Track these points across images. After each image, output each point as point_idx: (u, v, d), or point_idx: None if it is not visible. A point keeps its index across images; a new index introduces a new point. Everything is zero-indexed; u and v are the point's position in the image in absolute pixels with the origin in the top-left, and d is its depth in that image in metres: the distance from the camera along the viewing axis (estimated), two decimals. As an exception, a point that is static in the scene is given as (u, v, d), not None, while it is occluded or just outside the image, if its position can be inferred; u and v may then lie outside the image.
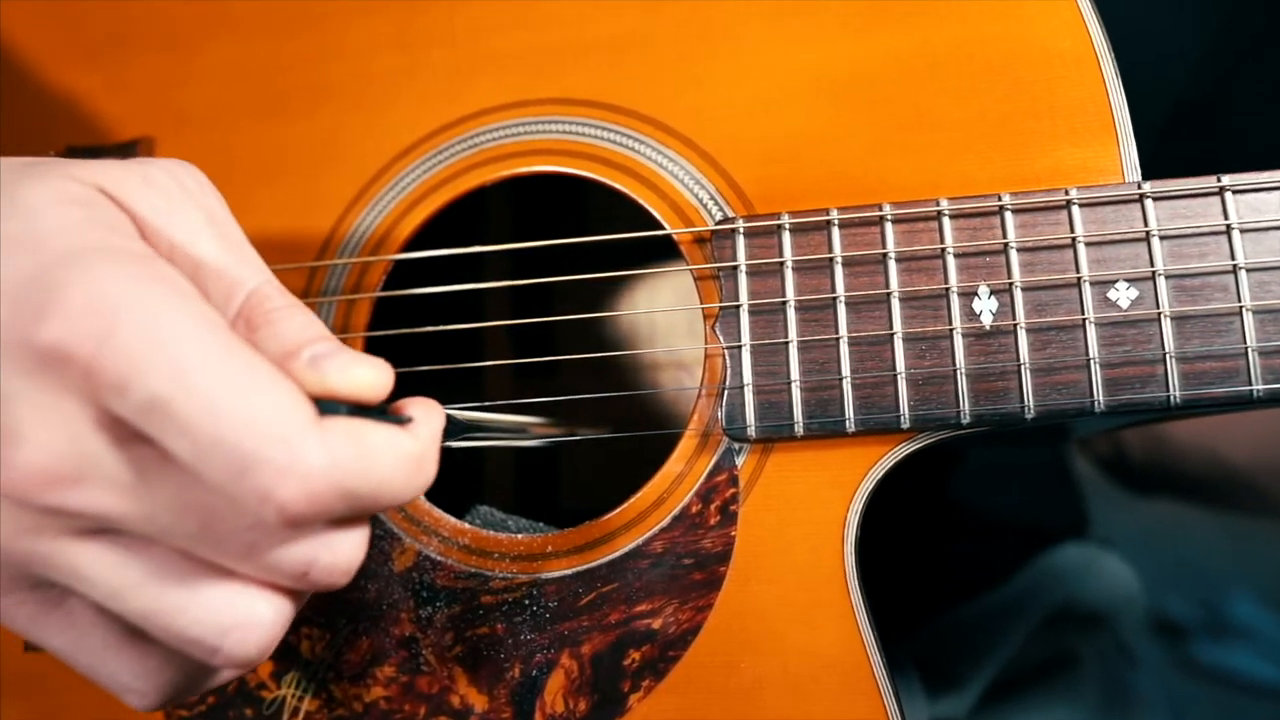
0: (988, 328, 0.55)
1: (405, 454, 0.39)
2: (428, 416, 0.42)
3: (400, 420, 0.41)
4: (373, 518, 0.63)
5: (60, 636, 0.42)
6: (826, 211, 0.58)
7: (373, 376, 0.40)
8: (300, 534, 0.38)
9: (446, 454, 0.76)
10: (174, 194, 0.43)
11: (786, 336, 0.57)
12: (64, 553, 0.38)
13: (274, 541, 0.38)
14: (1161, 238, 0.54)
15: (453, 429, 0.53)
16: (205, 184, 0.45)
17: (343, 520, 0.39)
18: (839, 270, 0.57)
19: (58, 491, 0.37)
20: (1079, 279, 0.55)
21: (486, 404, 0.67)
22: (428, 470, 0.40)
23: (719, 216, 0.61)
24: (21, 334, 0.36)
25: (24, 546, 0.38)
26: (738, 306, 0.58)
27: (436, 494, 0.65)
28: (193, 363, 0.36)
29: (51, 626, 0.41)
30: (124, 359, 0.35)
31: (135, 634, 0.41)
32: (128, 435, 0.37)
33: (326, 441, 0.37)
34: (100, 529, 0.39)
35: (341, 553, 0.39)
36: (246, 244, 0.44)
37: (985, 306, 0.56)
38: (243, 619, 0.39)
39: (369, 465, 0.38)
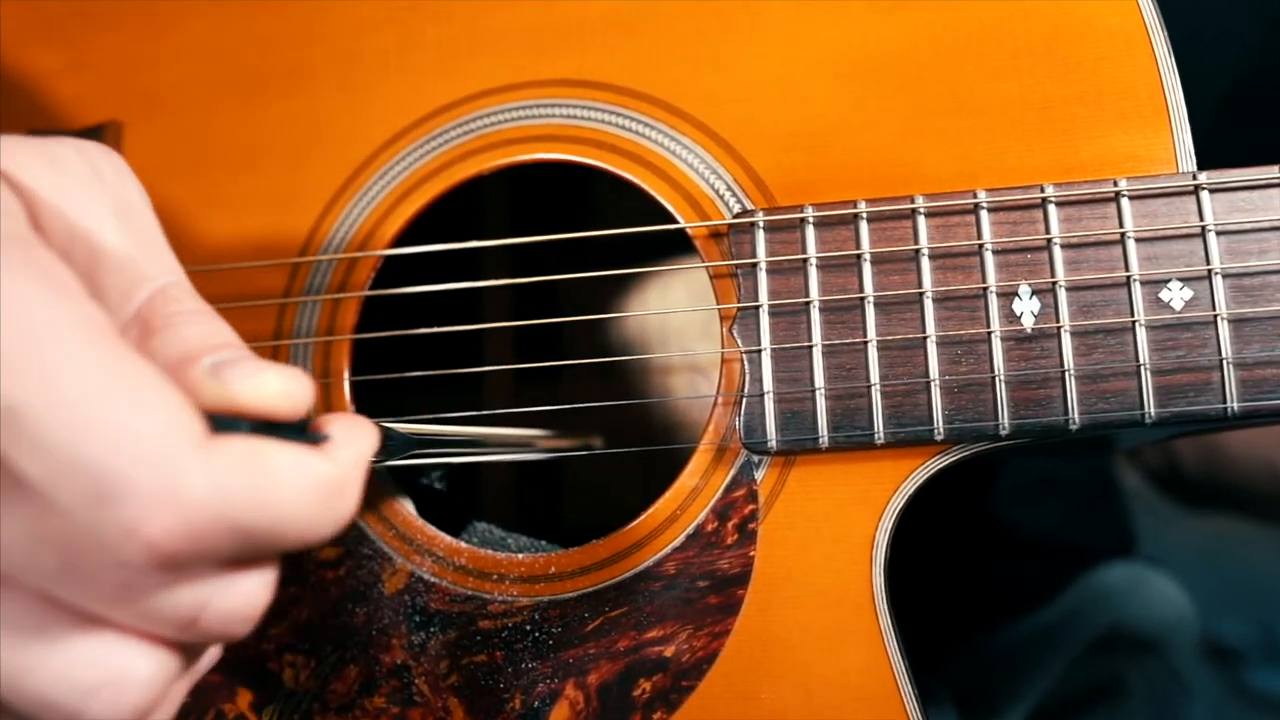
0: (1029, 331, 0.56)
1: (314, 479, 0.36)
2: (350, 435, 0.38)
3: (314, 439, 0.37)
4: (359, 536, 0.64)
5: None
6: (854, 204, 0.58)
7: (285, 386, 0.37)
8: (184, 575, 0.35)
9: (440, 468, 0.77)
10: (83, 178, 0.41)
11: (810, 340, 0.58)
12: None
13: (151, 583, 0.34)
14: (1218, 233, 0.54)
15: (395, 446, 0.51)
16: (124, 172, 0.43)
17: (242, 559, 0.36)
18: (867, 268, 0.58)
19: None
20: (1128, 278, 0.55)
21: (485, 413, 0.67)
22: (346, 500, 0.37)
23: (737, 209, 0.61)
24: None
25: None
26: (757, 307, 0.59)
27: (431, 510, 0.66)
28: (53, 365, 0.32)
29: None
30: None
31: None
32: None
33: (213, 465, 0.33)
34: None
35: (239, 598, 0.36)
36: (162, 242, 0.42)
37: (1026, 308, 0.56)
38: (114, 677, 0.35)
39: (265, 494, 0.34)
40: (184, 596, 0.35)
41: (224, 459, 0.34)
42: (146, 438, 0.33)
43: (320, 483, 0.36)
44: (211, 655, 0.43)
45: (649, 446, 0.66)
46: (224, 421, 0.35)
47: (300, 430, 0.37)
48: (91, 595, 0.35)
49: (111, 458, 0.32)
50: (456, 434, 0.61)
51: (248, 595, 0.36)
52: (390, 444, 0.51)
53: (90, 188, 0.41)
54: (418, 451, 0.55)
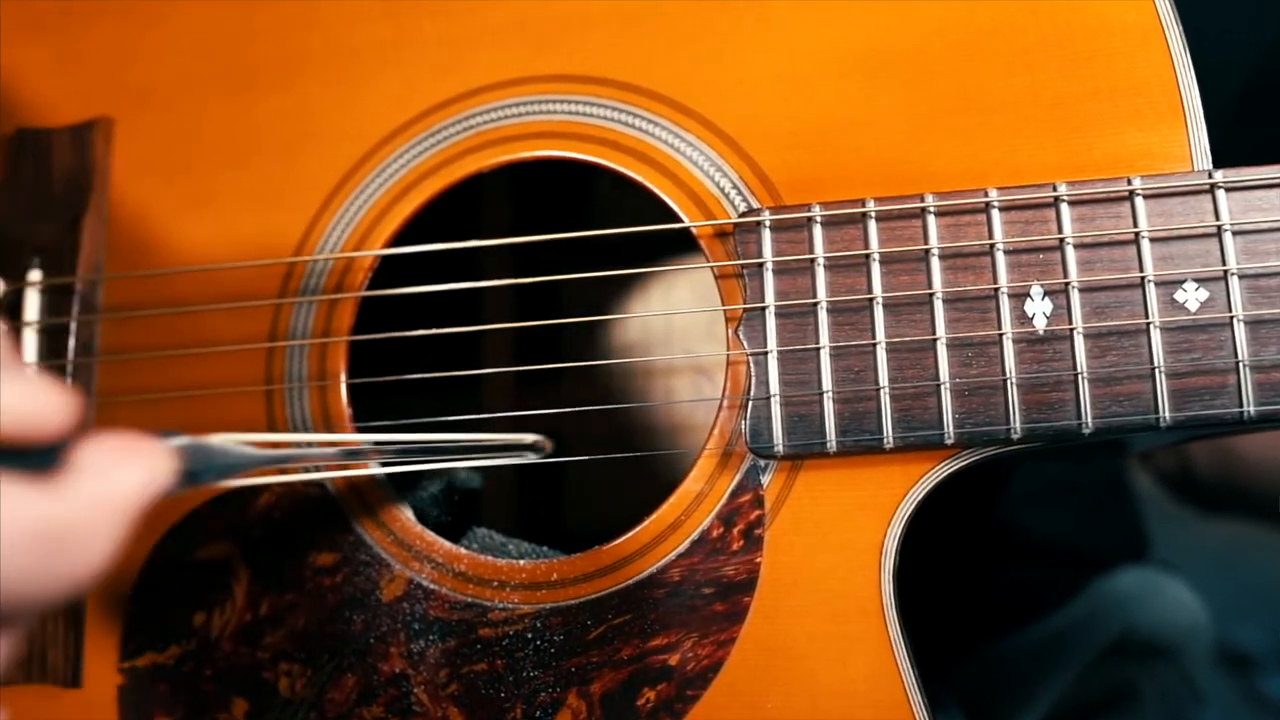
0: (1041, 332, 0.56)
1: (22, 523, 0.29)
2: (104, 465, 0.31)
3: (46, 463, 0.30)
4: (349, 545, 0.64)
5: None
6: (862, 202, 0.58)
7: (17, 401, 0.30)
8: None
9: (436, 473, 0.77)
10: None
11: (818, 342, 0.58)
12: None
13: None
14: (1234, 233, 0.54)
15: (224, 465, 0.43)
16: None
17: None
18: (876, 268, 0.58)
19: None
20: (1142, 279, 0.55)
21: (484, 416, 0.67)
22: (79, 546, 0.30)
23: (742, 207, 0.61)
24: None
25: None
26: (763, 308, 0.59)
27: (429, 515, 0.66)
28: None
29: None
30: None
31: None
32: None
33: None
34: None
35: None
36: None
37: (1038, 309, 0.56)
38: None
39: None
40: None
41: None
42: None
43: (33, 525, 0.29)
44: None
45: (652, 451, 0.66)
46: None
47: (44, 458, 0.30)
48: None
49: None
50: (343, 442, 0.53)
51: None
52: (218, 463, 0.42)
53: None
54: (305, 465, 0.48)
